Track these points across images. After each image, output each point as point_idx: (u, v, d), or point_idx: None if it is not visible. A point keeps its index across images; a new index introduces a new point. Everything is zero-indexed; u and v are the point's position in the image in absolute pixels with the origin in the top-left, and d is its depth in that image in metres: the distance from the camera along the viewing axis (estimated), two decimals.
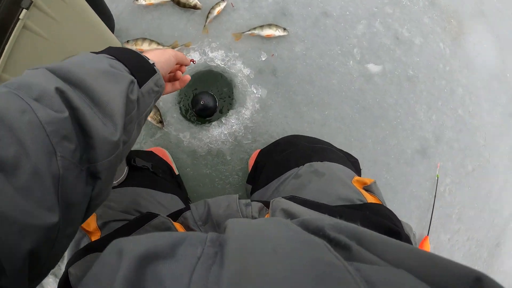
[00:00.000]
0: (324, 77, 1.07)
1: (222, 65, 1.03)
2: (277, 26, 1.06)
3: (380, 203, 0.52)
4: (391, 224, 0.43)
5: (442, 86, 1.16)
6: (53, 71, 0.30)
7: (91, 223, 0.52)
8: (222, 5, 1.07)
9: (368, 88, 1.09)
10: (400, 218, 0.46)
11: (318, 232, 0.26)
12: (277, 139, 0.96)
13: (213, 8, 1.07)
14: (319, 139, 0.81)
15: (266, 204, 0.49)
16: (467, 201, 1.14)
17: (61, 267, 0.96)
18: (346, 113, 1.07)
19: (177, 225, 0.47)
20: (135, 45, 1.05)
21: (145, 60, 0.40)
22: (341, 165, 0.61)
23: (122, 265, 0.20)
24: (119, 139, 0.31)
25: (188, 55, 1.05)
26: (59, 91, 0.28)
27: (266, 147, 0.92)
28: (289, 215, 0.41)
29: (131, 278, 0.19)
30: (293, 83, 1.05)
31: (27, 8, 0.62)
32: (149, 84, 0.39)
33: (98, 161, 0.30)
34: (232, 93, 1.03)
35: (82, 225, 0.51)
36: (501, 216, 1.16)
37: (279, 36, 1.07)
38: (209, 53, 1.04)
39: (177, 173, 0.96)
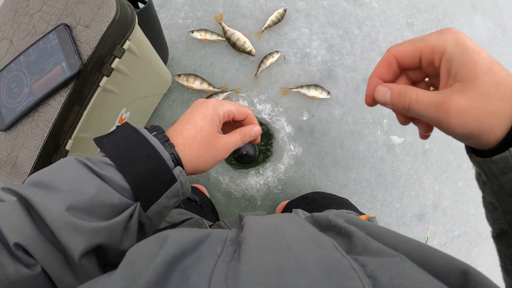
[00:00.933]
0: (353, 143, 1.19)
1: (268, 119, 1.12)
2: (322, 88, 1.14)
3: None
4: None
5: (451, 161, 1.31)
6: (26, 203, 0.27)
7: None
8: (276, 56, 1.13)
9: (388, 157, 1.22)
10: None
11: (329, 223, 0.29)
12: (303, 193, 1.10)
13: (266, 58, 1.13)
14: (342, 198, 0.97)
15: None
16: None
17: None
18: (364, 177, 1.21)
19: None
20: (187, 82, 1.10)
21: (161, 165, 0.32)
22: (353, 212, 0.71)
23: (161, 253, 0.22)
24: None
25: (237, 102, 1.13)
26: (20, 247, 0.25)
27: (294, 199, 1.06)
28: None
29: (162, 272, 0.21)
30: (326, 145, 1.17)
31: (108, 76, 0.67)
32: (162, 202, 0.32)
33: None
34: (271, 146, 1.13)
35: None
36: None
37: (322, 98, 1.16)
38: (257, 104, 1.12)
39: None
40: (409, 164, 1.25)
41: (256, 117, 1.13)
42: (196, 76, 1.11)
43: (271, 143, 1.14)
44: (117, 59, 0.69)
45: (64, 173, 0.29)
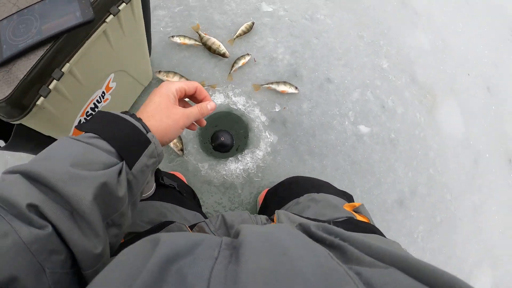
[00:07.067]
0: (324, 132, 1.36)
1: (243, 109, 1.28)
2: (290, 84, 1.35)
3: (368, 221, 0.62)
4: None
5: (417, 149, 1.49)
6: (28, 175, 0.32)
7: None
8: (247, 58, 1.36)
9: (358, 146, 1.39)
10: None
11: (319, 236, 0.33)
12: (283, 180, 1.20)
13: (238, 59, 1.35)
14: (318, 179, 1.04)
15: (270, 219, 0.59)
16: (436, 248, 1.42)
17: None
18: (340, 164, 1.35)
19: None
20: (166, 77, 1.27)
21: (136, 130, 0.41)
22: (335, 196, 0.73)
23: (154, 254, 0.24)
24: (102, 251, 0.33)
25: (213, 96, 1.30)
26: (33, 207, 0.29)
27: (273, 187, 1.15)
28: (291, 221, 0.49)
29: (157, 272, 0.22)
30: (299, 134, 1.32)
31: (115, 15, 0.76)
32: (142, 160, 0.40)
33: (85, 270, 0.32)
34: (248, 135, 1.27)
35: None
36: (466, 263, 1.44)
37: (291, 93, 1.36)
38: (232, 97, 1.30)
39: None
40: (379, 152, 1.42)
41: (232, 108, 1.29)
42: (175, 73, 1.29)
43: (247, 133, 1.28)
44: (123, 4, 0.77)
45: (56, 147, 0.36)
